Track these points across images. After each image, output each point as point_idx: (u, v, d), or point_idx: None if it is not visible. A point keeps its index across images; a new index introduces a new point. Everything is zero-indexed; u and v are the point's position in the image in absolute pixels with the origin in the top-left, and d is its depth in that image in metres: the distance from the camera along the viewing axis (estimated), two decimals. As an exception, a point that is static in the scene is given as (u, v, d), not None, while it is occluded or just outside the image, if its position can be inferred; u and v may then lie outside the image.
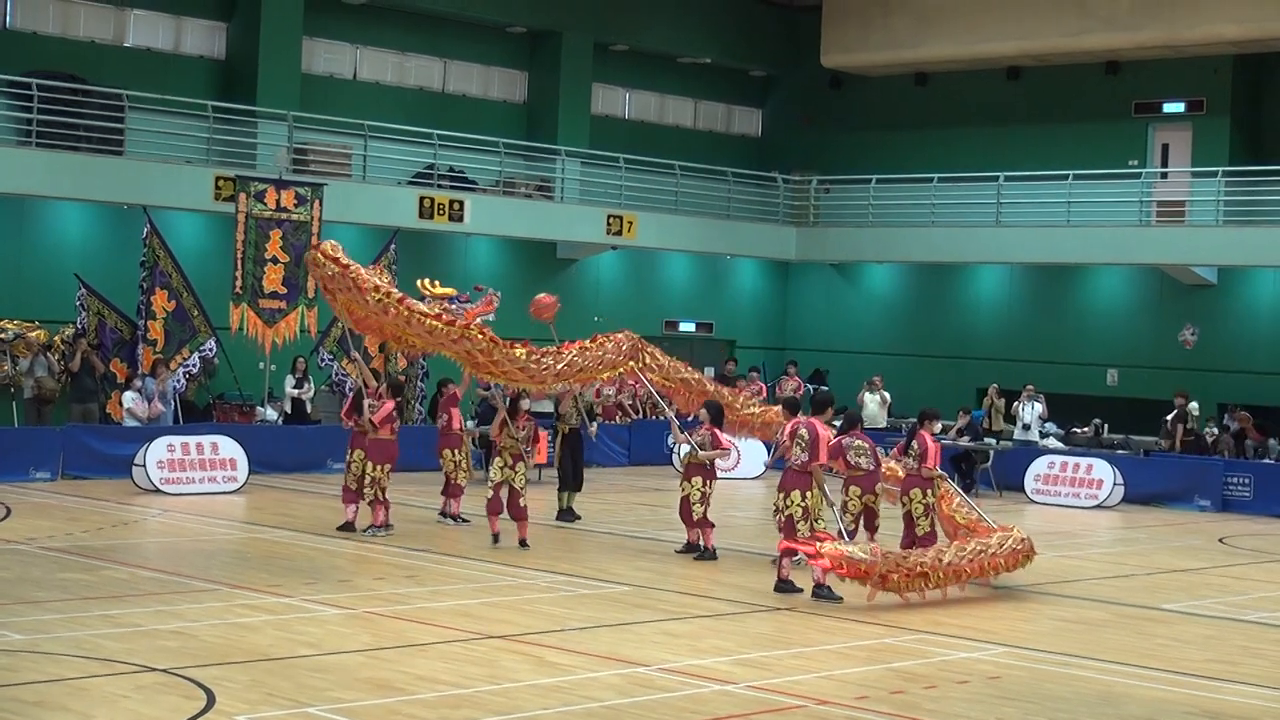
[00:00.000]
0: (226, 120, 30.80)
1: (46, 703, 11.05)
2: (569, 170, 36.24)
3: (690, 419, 20.34)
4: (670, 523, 21.19)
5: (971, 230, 36.59)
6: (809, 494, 17.10)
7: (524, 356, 19.50)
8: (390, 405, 20.54)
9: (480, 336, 19.29)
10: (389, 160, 33.16)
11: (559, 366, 19.72)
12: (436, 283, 20.66)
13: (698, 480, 19.42)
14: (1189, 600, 18.12)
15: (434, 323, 19.18)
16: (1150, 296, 35.77)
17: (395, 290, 19.51)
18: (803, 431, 17.22)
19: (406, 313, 19.15)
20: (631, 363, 20.32)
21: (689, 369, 21.18)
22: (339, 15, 34.72)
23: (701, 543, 19.51)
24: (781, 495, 17.25)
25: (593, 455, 30.07)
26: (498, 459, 19.81)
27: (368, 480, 20.25)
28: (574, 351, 20.04)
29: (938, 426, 19.04)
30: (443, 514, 21.82)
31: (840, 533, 17.29)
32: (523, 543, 19.73)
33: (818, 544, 16.32)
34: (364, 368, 22.37)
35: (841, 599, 16.61)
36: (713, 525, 19.60)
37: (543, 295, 21.91)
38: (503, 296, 20.73)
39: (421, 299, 19.68)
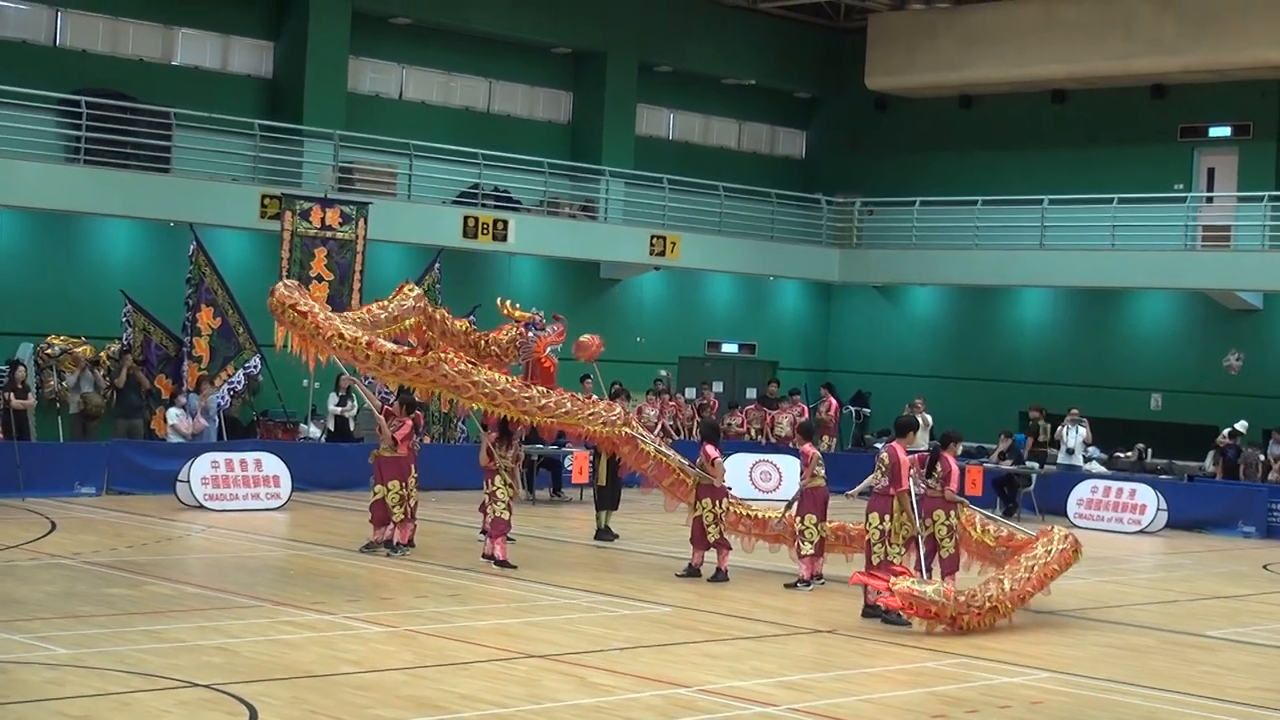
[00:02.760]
0: (273, 139, 30.98)
1: (91, 717, 11.11)
2: (613, 190, 36.30)
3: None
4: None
5: (1015, 253, 36.49)
6: (887, 518, 17.13)
7: (504, 381, 19.52)
8: (409, 424, 20.56)
9: (456, 359, 19.33)
10: (434, 179, 33.28)
11: (543, 402, 19.64)
12: (518, 305, 20.74)
13: (707, 501, 19.43)
14: (1233, 627, 18.01)
15: (407, 359, 19.12)
16: (1195, 321, 35.61)
17: (361, 334, 19.14)
18: (884, 455, 17.29)
19: (378, 356, 18.98)
20: (626, 429, 20.24)
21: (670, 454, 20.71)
22: (385, 35, 34.88)
23: (717, 565, 19.47)
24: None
25: (634, 476, 30.09)
26: (498, 479, 19.78)
27: (397, 499, 20.25)
28: (566, 396, 20.14)
29: (959, 449, 19.01)
30: (484, 532, 21.82)
31: (920, 564, 17.28)
32: (488, 557, 19.80)
33: (891, 579, 16.31)
34: (366, 390, 22.58)
35: (910, 624, 16.57)
36: (729, 547, 19.52)
37: (587, 337, 21.97)
38: (544, 314, 20.89)
39: (504, 319, 19.98)
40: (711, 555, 19.57)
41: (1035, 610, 17.95)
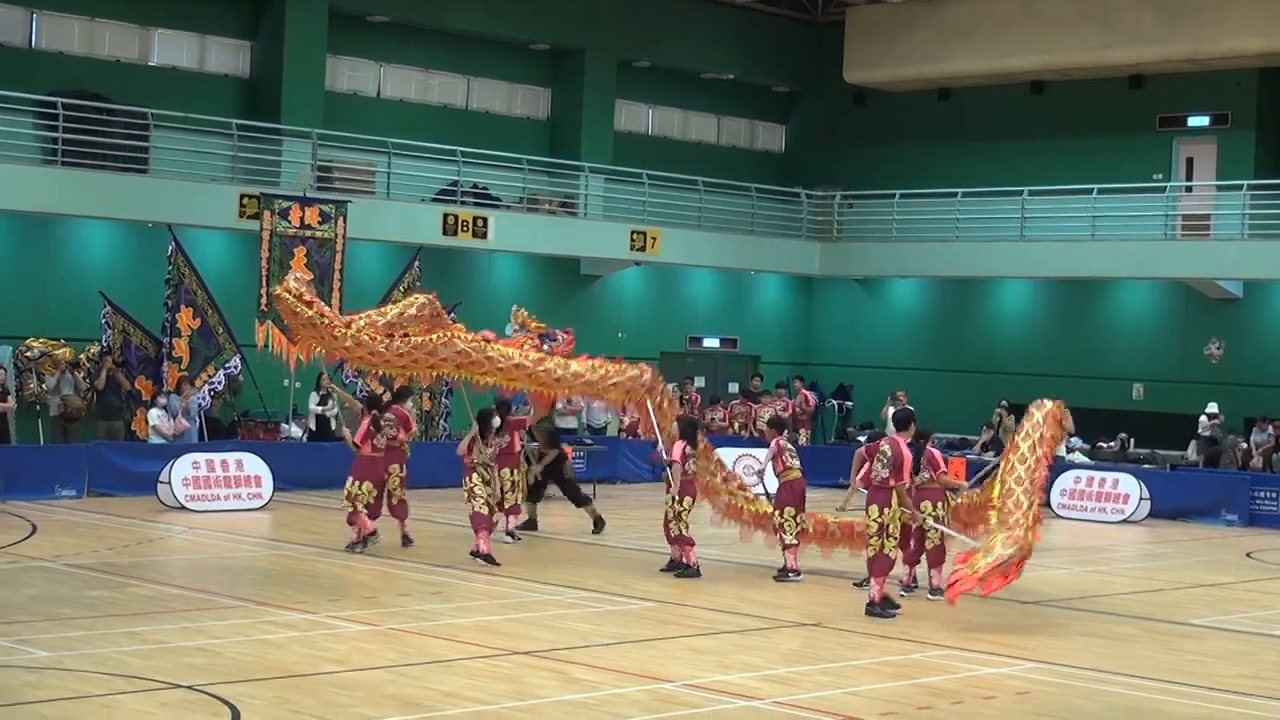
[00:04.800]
0: (251, 138, 30.87)
1: (72, 719, 11.04)
2: (592, 186, 36.24)
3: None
4: (696, 539, 21.05)
5: (995, 245, 36.50)
6: (886, 510, 17.06)
7: (517, 355, 19.56)
8: (366, 422, 20.50)
9: (471, 337, 19.42)
10: (413, 177, 33.19)
11: (559, 374, 19.74)
12: (533, 317, 20.72)
13: (672, 497, 19.28)
14: (1218, 615, 18.03)
15: (401, 344, 19.26)
16: (1175, 310, 35.64)
17: (363, 322, 19.32)
18: (885, 448, 17.18)
19: (368, 342, 19.10)
20: (646, 396, 20.09)
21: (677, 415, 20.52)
22: (363, 33, 34.78)
23: (684, 561, 19.33)
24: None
25: (618, 471, 30.08)
26: (475, 475, 19.81)
27: (364, 497, 20.24)
28: (584, 365, 20.03)
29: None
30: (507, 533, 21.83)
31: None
32: (475, 554, 19.84)
33: (967, 570, 16.47)
34: (342, 391, 22.69)
35: (897, 614, 16.66)
36: (691, 543, 19.33)
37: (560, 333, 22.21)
38: (527, 311, 20.92)
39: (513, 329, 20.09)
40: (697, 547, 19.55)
41: (1020, 600, 17.98)
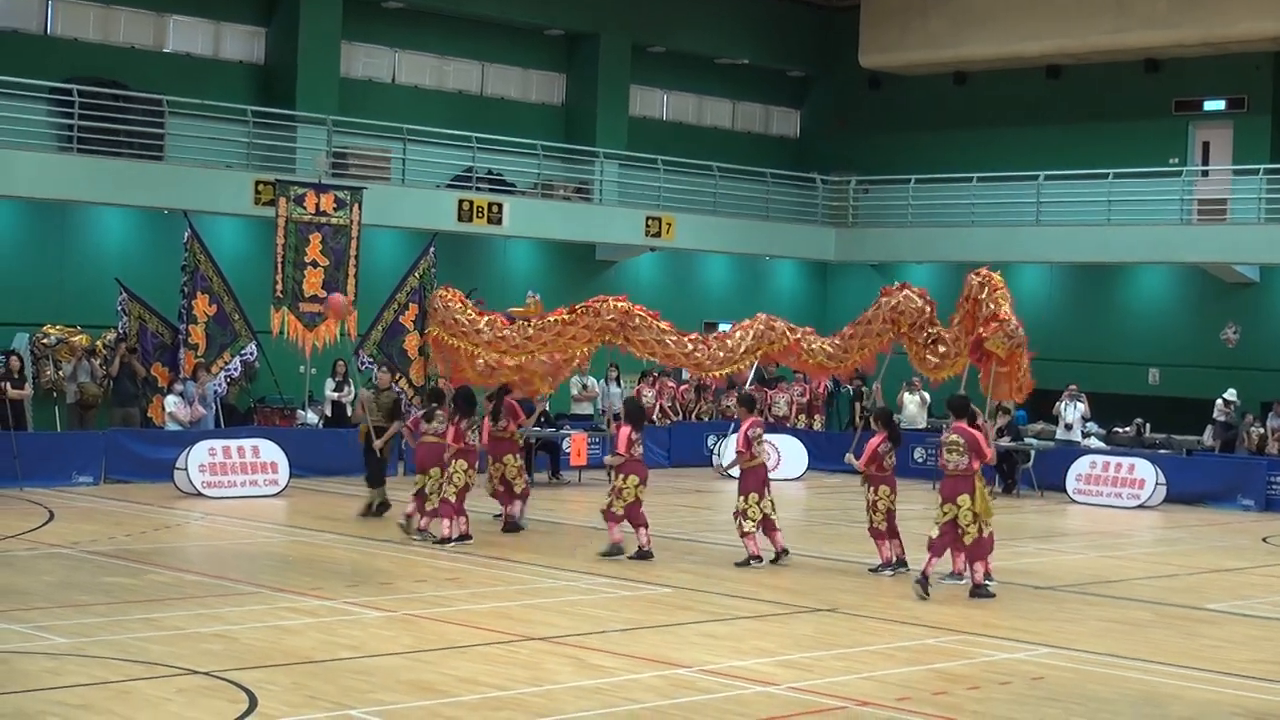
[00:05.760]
0: (266, 125, 30.91)
1: (90, 706, 11.09)
2: (607, 172, 36.25)
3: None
4: (713, 524, 21.17)
5: (1011, 230, 36.45)
6: (976, 497, 17.07)
7: (481, 321, 19.72)
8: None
9: (461, 305, 19.80)
10: (428, 163, 33.21)
11: (515, 340, 19.65)
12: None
13: (620, 475, 19.13)
14: (1233, 600, 18.00)
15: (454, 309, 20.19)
16: (1192, 295, 35.58)
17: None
18: (955, 438, 17.15)
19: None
20: (608, 337, 19.98)
21: (673, 336, 20.42)
22: (377, 19, 34.81)
23: (639, 544, 19.21)
24: (948, 503, 17.13)
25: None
26: (460, 462, 20.00)
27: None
28: (537, 326, 19.87)
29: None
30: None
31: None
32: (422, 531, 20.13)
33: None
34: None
35: (994, 595, 16.83)
36: (618, 521, 19.08)
37: (335, 295, 22.93)
38: (541, 297, 20.95)
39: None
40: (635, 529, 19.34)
41: (1035, 585, 18.00)
